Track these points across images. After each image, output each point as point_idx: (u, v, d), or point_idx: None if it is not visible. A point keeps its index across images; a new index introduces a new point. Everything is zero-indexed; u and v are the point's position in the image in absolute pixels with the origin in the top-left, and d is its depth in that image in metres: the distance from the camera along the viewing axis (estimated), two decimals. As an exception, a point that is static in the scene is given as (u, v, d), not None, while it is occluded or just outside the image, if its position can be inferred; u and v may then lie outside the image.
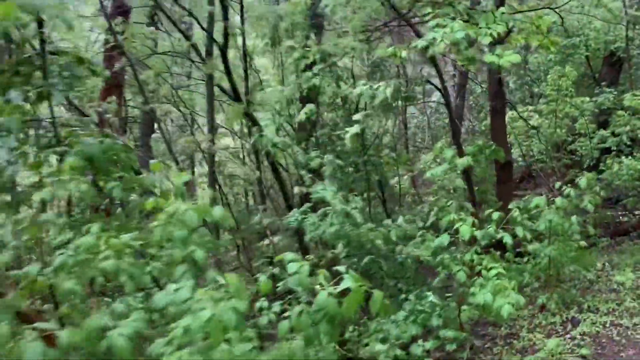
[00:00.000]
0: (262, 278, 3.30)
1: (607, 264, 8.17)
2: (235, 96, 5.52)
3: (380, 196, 9.64)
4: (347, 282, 2.98)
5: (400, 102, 11.37)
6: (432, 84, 9.57)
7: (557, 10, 10.28)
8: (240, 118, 7.22)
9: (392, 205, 12.06)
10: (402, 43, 8.67)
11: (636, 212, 11.96)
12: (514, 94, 17.28)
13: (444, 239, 5.23)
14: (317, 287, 3.03)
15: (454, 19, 5.29)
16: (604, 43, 16.25)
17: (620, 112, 11.63)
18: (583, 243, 6.97)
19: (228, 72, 5.17)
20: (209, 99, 6.47)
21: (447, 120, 17.05)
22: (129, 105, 10.73)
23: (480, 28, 5.46)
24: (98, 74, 4.41)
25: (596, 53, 16.93)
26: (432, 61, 8.50)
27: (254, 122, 6.16)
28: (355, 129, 5.51)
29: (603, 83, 14.30)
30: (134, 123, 12.61)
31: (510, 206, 6.70)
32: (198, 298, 2.59)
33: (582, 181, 5.92)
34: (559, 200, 5.80)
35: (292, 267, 3.01)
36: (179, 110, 11.20)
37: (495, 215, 5.57)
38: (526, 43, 15.08)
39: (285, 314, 3.05)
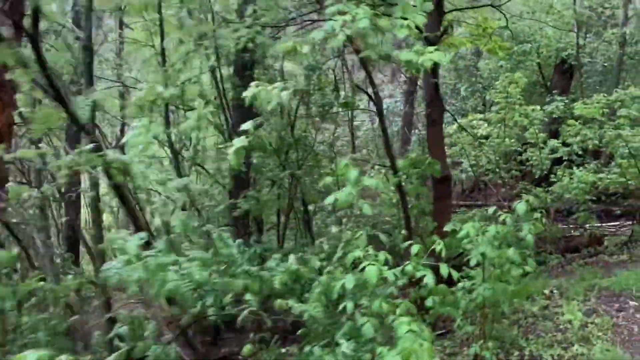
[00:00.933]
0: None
1: (555, 290, 7.09)
2: (56, 96, 4.13)
3: (304, 217, 8.42)
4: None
5: (339, 108, 10.16)
6: (361, 89, 8.38)
7: (503, 12, 9.25)
8: (52, 126, 5.87)
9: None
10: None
11: (588, 227, 11.04)
12: (466, 101, 16.33)
13: (348, 282, 4.00)
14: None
15: (360, 3, 4.07)
16: (555, 50, 15.47)
17: (570, 121, 10.67)
18: (528, 268, 5.87)
19: (41, 62, 3.81)
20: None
21: (395, 129, 15.96)
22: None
23: (394, 18, 4.27)
24: None
25: (547, 60, 16.14)
26: (362, 62, 7.34)
27: (86, 131, 4.73)
28: (240, 142, 4.23)
29: (554, 91, 13.45)
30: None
31: (446, 228, 5.56)
32: None
33: (520, 206, 4.77)
34: (492, 229, 4.64)
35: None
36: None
37: (415, 247, 4.38)
38: (476, 48, 14.08)
39: None
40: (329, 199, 4.04)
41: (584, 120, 10.47)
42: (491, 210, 4.96)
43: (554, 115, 11.19)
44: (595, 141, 9.35)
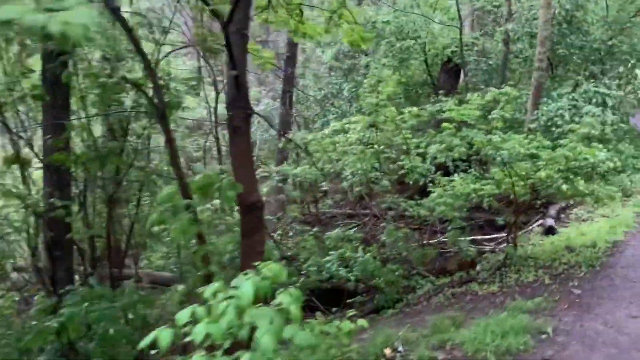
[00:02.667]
0: None
1: (400, 348, 5.17)
2: None
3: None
4: None
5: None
6: (131, 83, 6.06)
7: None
8: None
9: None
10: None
11: (463, 241, 9.33)
12: (351, 103, 14.45)
13: None
14: None
15: None
16: (442, 48, 13.90)
17: (445, 125, 8.91)
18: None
19: None
20: None
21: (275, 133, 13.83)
22: None
23: None
24: None
25: (435, 59, 14.58)
26: (134, 43, 5.08)
27: None
28: None
29: (441, 91, 11.82)
30: None
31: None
32: None
33: (245, 288, 2.50)
34: (200, 328, 2.44)
35: None
36: None
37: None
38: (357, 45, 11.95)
39: None
40: None
41: (459, 123, 8.76)
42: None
43: (434, 117, 9.47)
44: (462, 148, 7.56)
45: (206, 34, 7.57)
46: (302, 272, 8.47)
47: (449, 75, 13.49)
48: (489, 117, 7.72)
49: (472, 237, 9.95)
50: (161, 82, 7.07)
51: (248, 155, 5.21)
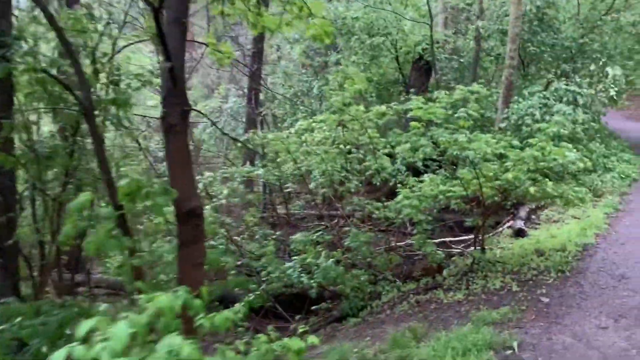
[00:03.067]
0: None
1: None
2: None
3: None
4: None
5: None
6: (51, 75, 5.45)
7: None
8: None
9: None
10: None
11: (433, 243, 8.92)
12: (322, 101, 13.96)
13: None
14: None
15: None
16: (413, 45, 13.50)
17: (413, 124, 8.47)
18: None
19: None
20: None
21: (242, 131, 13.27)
22: None
23: None
24: None
25: (406, 56, 14.18)
26: (58, 35, 4.51)
27: None
28: None
29: (412, 90, 11.42)
30: None
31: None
32: None
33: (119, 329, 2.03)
34: None
35: None
36: None
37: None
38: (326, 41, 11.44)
39: None
40: None
41: (427, 123, 8.34)
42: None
43: (394, 117, 9.03)
44: (428, 149, 7.13)
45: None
46: (264, 279, 7.98)
47: (419, 73, 13.10)
48: (455, 115, 7.29)
49: (441, 239, 9.58)
50: (96, 77, 6.50)
51: (186, 156, 4.68)
